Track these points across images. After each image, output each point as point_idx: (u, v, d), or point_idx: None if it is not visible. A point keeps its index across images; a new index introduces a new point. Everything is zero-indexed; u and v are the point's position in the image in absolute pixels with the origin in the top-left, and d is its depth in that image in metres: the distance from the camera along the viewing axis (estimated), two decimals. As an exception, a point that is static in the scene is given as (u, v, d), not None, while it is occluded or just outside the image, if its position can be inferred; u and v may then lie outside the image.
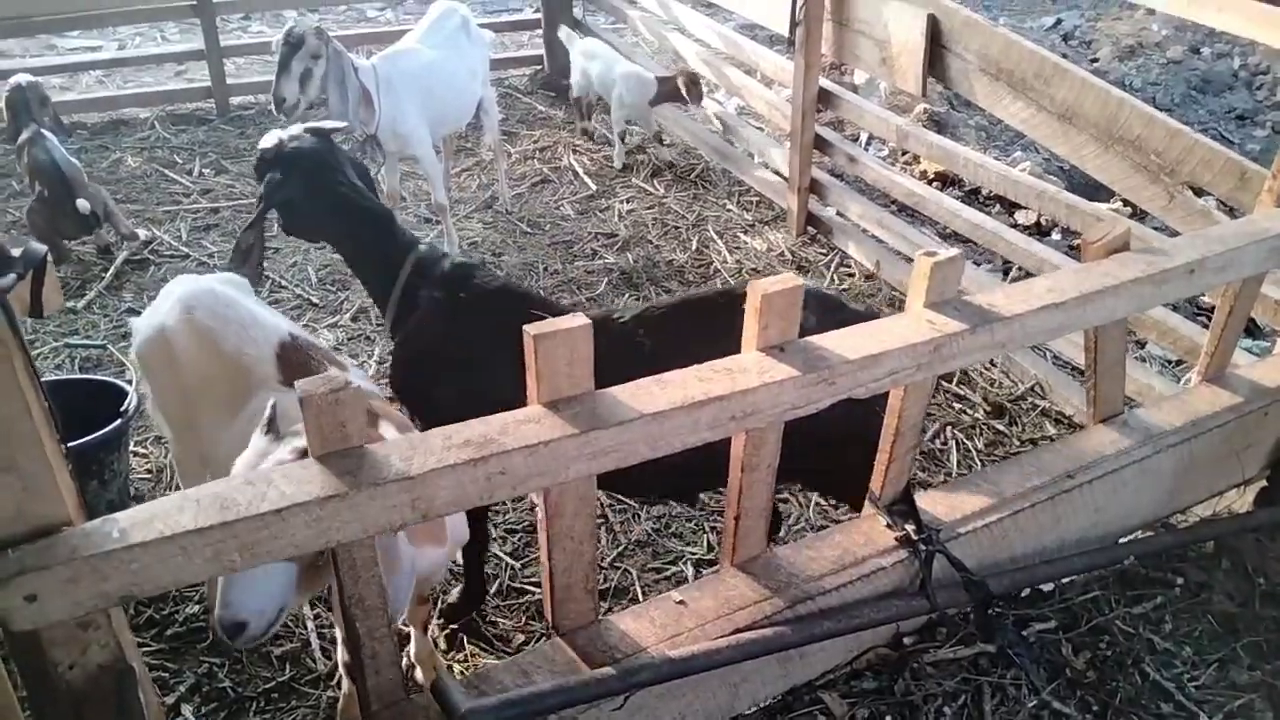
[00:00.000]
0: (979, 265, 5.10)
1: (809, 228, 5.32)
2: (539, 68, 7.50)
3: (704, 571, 3.22)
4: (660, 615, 1.84)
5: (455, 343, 2.50)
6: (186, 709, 2.71)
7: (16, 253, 1.15)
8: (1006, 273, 5.01)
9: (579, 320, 1.46)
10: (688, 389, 1.54)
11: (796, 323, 1.67)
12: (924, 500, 2.14)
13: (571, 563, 1.69)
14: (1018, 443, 3.86)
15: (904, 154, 6.16)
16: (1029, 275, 4.52)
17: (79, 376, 3.69)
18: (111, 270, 4.77)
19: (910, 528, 2.02)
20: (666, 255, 5.08)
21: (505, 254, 5.05)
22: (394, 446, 1.39)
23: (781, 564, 1.95)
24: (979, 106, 4.69)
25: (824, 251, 5.19)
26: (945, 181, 5.82)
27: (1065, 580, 2.39)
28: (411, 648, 2.73)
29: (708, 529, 3.40)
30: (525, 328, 1.45)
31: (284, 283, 4.73)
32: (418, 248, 2.68)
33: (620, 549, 3.29)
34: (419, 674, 2.73)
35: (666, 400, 1.51)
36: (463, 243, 5.09)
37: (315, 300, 4.60)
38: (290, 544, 1.29)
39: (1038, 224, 5.35)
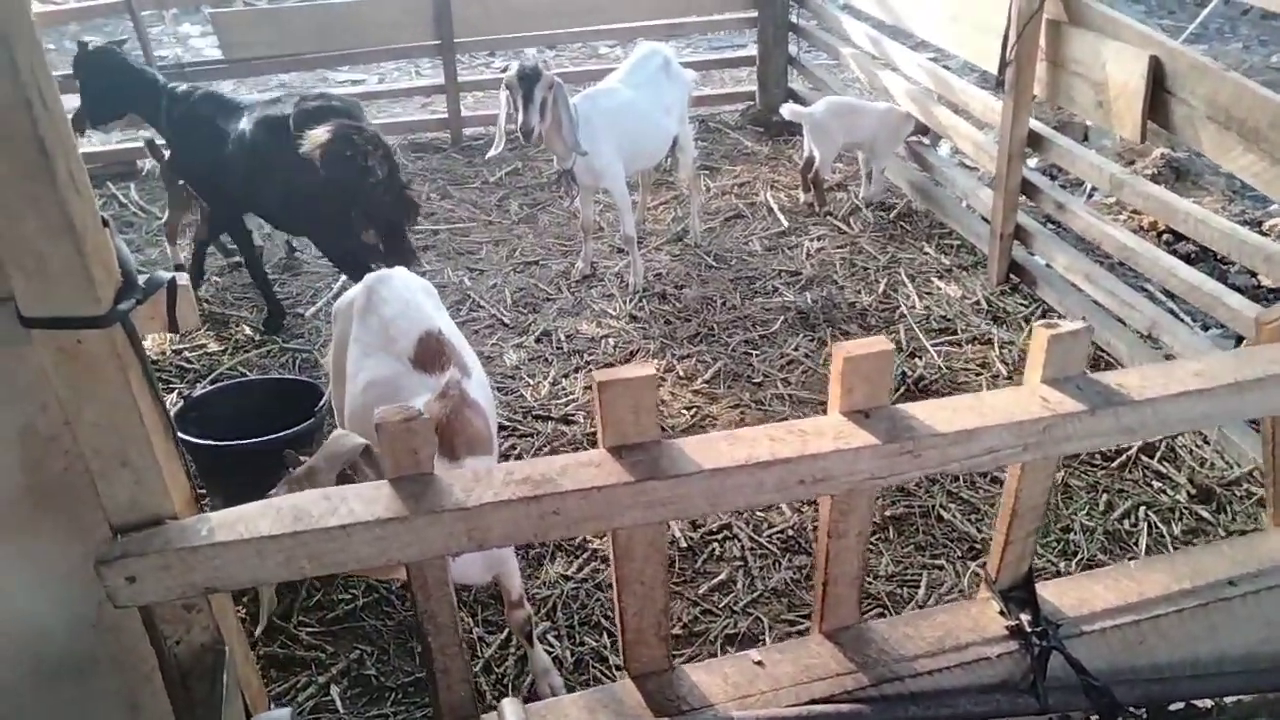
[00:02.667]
0: (1207, 330, 4.59)
1: (1011, 276, 5.00)
2: (750, 103, 7.57)
3: (838, 631, 3.11)
4: (735, 673, 1.80)
5: (177, 135, 4.61)
6: (335, 689, 2.95)
7: (144, 278, 1.35)
8: (1240, 340, 4.46)
9: (645, 370, 1.48)
10: (755, 447, 1.51)
11: (886, 389, 1.59)
12: (1049, 589, 1.96)
13: (642, 607, 1.71)
14: (1223, 533, 3.42)
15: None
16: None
17: (289, 377, 4.14)
18: (339, 284, 5.30)
19: (1025, 618, 1.86)
20: (849, 296, 4.96)
21: (687, 286, 5.13)
22: (459, 477, 1.48)
23: (873, 638, 1.86)
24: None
25: (1025, 302, 4.86)
26: (1177, 235, 5.28)
27: (1230, 701, 2.09)
28: (530, 663, 2.84)
29: (850, 586, 3.28)
30: (594, 374, 1.49)
31: (482, 303, 5.05)
32: (168, 85, 4.62)
33: (755, 595, 3.24)
34: (538, 689, 2.83)
35: (731, 457, 1.49)
36: (648, 273, 5.23)
37: (507, 321, 4.89)
38: (354, 558, 1.40)
39: (1285, 287, 4.72)
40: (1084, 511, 3.54)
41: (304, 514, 1.39)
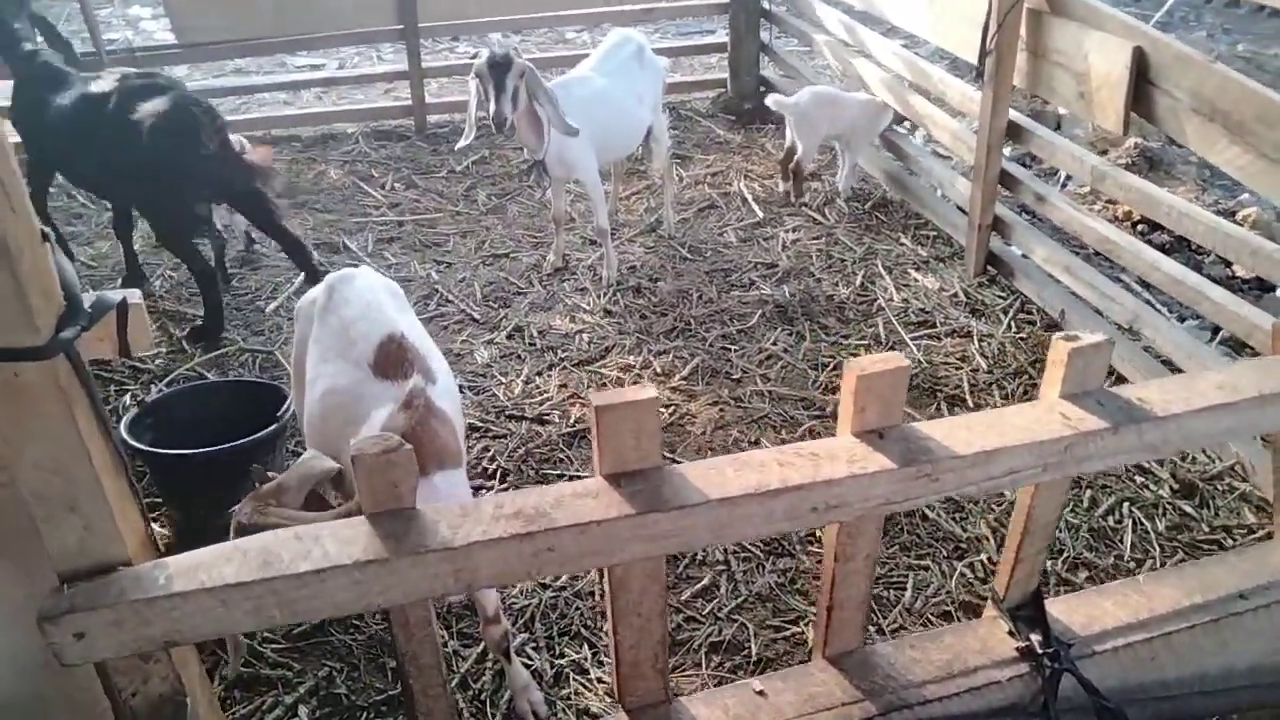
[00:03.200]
0: (1184, 321, 4.58)
1: (988, 267, 4.96)
2: (722, 90, 7.45)
3: (826, 637, 3.04)
4: (736, 705, 1.71)
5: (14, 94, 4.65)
6: (303, 710, 2.82)
7: (90, 300, 1.20)
8: (1216, 331, 4.46)
9: (647, 392, 1.37)
10: (765, 474, 1.41)
11: (900, 406, 1.49)
12: (1057, 606, 1.89)
13: (639, 639, 1.60)
14: (1207, 529, 3.40)
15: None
16: (1238, 342, 4.00)
17: (252, 379, 3.96)
18: (300, 278, 5.11)
19: (1036, 638, 1.79)
20: (827, 289, 4.88)
21: (661, 279, 5.02)
22: (444, 512, 1.35)
23: (879, 663, 1.77)
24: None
25: (1003, 294, 4.81)
26: (1152, 224, 5.27)
27: (1233, 716, 2.04)
28: (508, 679, 2.72)
29: (836, 590, 3.21)
30: (590, 397, 1.38)
31: (450, 297, 4.90)
32: (38, 53, 4.60)
33: (739, 600, 3.16)
34: (517, 706, 2.72)
35: (739, 485, 1.39)
36: (622, 266, 5.10)
37: (477, 316, 4.74)
38: (330, 604, 1.28)
39: (1259, 279, 4.72)
40: (1068, 508, 3.50)
41: (273, 557, 1.26)
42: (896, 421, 1.50)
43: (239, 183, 4.32)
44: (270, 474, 2.39)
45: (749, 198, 5.87)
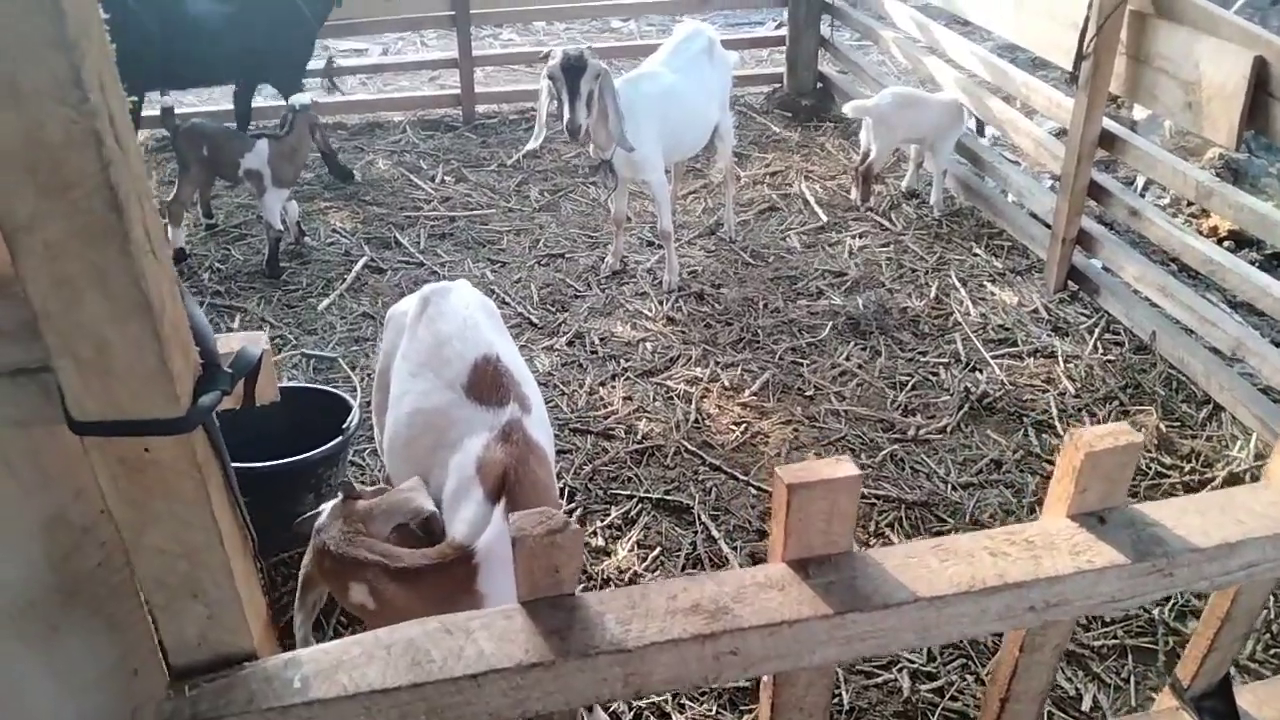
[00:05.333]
0: (1278, 346, 4.33)
1: (1069, 282, 4.72)
2: (777, 86, 7.21)
3: (921, 686, 2.84)
4: (895, 802, 1.52)
5: None
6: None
7: (228, 356, 1.02)
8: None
9: (845, 469, 1.17)
10: (976, 566, 1.22)
11: (1126, 486, 1.30)
12: (1245, 697, 1.69)
13: (797, 733, 1.41)
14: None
15: (1189, 204, 5.38)
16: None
17: (312, 386, 3.77)
18: (353, 274, 4.95)
19: (1227, 736, 1.59)
20: (900, 301, 4.66)
21: (724, 286, 4.81)
22: (609, 602, 1.17)
23: (1051, 757, 1.58)
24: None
25: (1086, 312, 4.58)
26: (1240, 240, 5.03)
27: None
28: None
29: (930, 632, 3.01)
30: (778, 472, 1.19)
31: (507, 299, 4.72)
32: None
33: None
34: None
35: (949, 581, 1.19)
36: (682, 270, 4.90)
37: (535, 320, 4.56)
38: (484, 712, 1.10)
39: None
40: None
41: (422, 656, 1.08)
42: (1119, 503, 1.31)
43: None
44: (356, 485, 2.22)
45: (811, 200, 5.65)
